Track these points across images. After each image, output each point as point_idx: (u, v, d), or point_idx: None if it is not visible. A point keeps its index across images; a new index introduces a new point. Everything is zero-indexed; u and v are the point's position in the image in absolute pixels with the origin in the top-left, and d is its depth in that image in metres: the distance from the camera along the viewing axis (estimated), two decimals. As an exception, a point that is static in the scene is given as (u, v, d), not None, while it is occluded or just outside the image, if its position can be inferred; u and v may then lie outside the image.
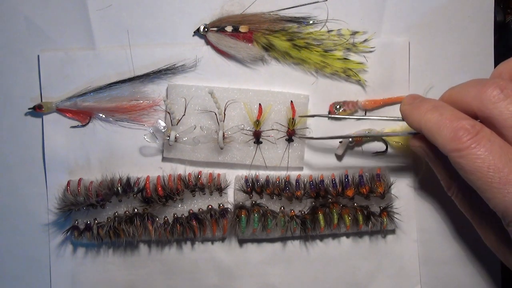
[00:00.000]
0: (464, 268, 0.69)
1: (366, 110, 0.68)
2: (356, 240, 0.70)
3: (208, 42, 0.67)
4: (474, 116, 0.50)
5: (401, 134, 0.62)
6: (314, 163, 0.69)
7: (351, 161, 0.69)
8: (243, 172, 0.67)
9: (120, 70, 0.67)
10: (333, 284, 0.70)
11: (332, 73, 0.67)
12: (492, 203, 0.47)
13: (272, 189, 0.65)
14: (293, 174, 0.67)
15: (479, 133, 0.47)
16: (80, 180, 0.66)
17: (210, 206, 0.67)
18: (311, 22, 0.67)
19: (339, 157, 0.69)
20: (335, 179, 0.66)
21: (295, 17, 0.67)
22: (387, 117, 0.65)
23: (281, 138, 0.67)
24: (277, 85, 0.68)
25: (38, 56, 0.66)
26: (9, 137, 0.67)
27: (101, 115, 0.67)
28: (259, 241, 0.69)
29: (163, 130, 0.65)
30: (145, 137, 0.65)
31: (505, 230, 0.49)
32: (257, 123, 0.66)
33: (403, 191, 0.69)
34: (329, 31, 0.67)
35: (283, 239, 0.69)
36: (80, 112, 0.67)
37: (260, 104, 0.66)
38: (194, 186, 0.65)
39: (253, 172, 0.67)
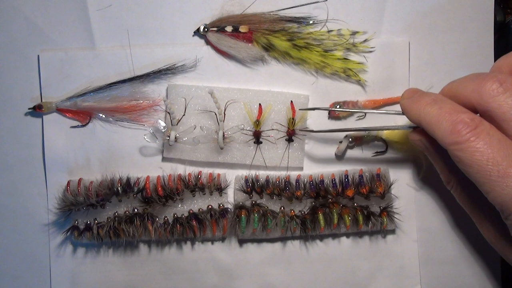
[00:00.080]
0: (464, 268, 0.69)
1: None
2: (356, 240, 0.70)
3: (208, 42, 0.67)
4: (474, 110, 0.50)
5: (400, 127, 0.62)
6: (314, 163, 0.69)
7: (351, 161, 0.69)
8: (243, 172, 0.67)
9: (120, 70, 0.67)
10: (333, 284, 0.70)
11: (332, 73, 0.67)
12: (490, 196, 0.47)
13: (272, 189, 0.65)
14: (293, 174, 0.67)
15: (478, 127, 0.47)
16: (80, 180, 0.66)
17: (210, 206, 0.67)
18: (311, 22, 0.67)
19: (339, 157, 0.69)
20: (335, 179, 0.66)
21: (295, 17, 0.67)
22: (387, 111, 0.65)
23: (281, 138, 0.67)
24: (277, 85, 0.68)
25: (38, 56, 0.66)
26: (9, 137, 0.67)
27: (101, 115, 0.67)
28: (259, 241, 0.69)
29: (163, 130, 0.65)
30: (145, 137, 0.65)
31: (504, 223, 0.49)
32: (257, 123, 0.66)
33: (403, 191, 0.69)
34: (329, 31, 0.67)
35: (283, 239, 0.69)
36: (80, 112, 0.67)
37: (260, 104, 0.66)
38: (194, 186, 0.65)
39: (253, 172, 0.67)
